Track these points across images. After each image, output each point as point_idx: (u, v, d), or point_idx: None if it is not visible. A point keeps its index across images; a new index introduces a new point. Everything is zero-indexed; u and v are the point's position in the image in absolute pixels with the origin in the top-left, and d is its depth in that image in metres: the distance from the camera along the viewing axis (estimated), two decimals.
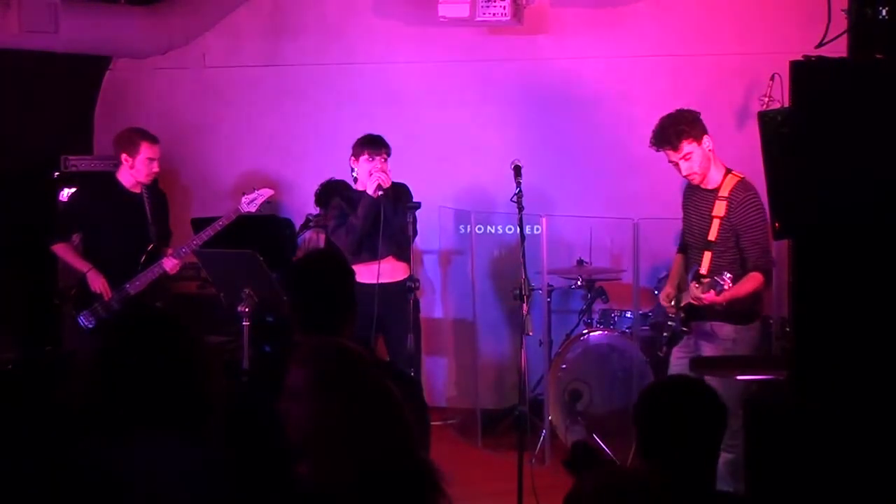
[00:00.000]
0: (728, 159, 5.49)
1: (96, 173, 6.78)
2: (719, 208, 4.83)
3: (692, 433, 2.64)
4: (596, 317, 6.55)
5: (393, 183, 5.67)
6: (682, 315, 4.89)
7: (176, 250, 5.78)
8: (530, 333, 5.05)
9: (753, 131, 3.89)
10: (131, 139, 5.73)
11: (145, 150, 5.69)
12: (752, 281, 4.77)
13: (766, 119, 3.74)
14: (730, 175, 4.88)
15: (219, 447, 2.60)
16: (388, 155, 5.67)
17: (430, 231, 7.15)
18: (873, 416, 3.00)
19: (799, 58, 3.16)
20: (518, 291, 5.04)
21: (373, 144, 5.66)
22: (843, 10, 3.31)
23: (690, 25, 7.02)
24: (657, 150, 4.97)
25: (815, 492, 3.05)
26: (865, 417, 3.01)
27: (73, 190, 6.38)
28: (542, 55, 7.25)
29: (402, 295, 5.52)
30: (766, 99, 5.86)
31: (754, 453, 3.37)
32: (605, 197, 7.22)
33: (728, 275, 4.59)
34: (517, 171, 5.18)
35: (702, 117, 4.96)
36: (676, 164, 4.89)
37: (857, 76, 3.15)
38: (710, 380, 4.48)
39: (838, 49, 3.31)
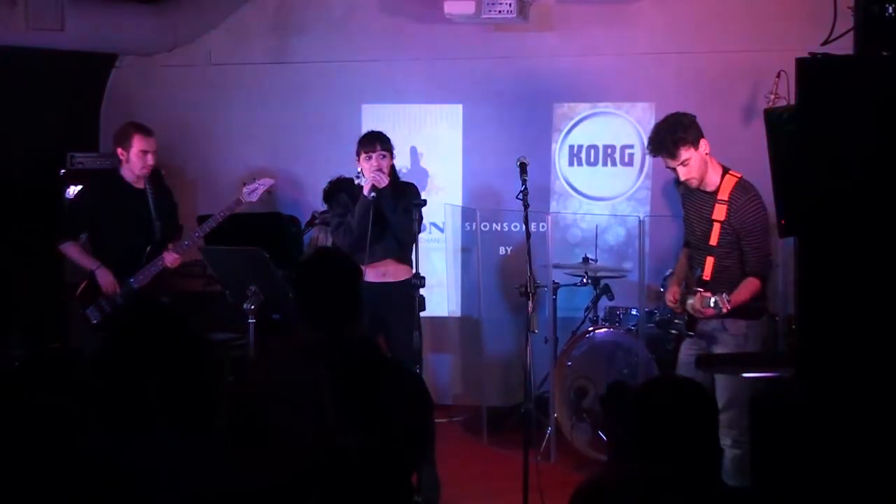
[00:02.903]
0: (734, 157, 5.48)
1: (102, 170, 6.79)
2: (719, 212, 4.78)
3: (687, 432, 2.63)
4: (601, 314, 6.55)
5: (400, 182, 5.64)
6: (687, 318, 4.87)
7: (177, 244, 5.78)
8: (536, 331, 5.04)
9: (759, 129, 3.89)
10: (124, 133, 5.74)
11: (137, 142, 5.69)
12: (749, 287, 4.74)
13: (772, 116, 3.75)
14: (728, 175, 4.83)
15: (222, 444, 2.60)
16: (388, 150, 5.55)
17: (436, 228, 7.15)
18: (879, 413, 3.00)
19: (805, 55, 3.15)
20: (524, 289, 5.03)
21: (365, 142, 5.57)
22: (849, 7, 3.30)
23: (696, 22, 7.01)
24: (654, 157, 4.94)
25: (821, 488, 3.05)
26: (871, 414, 3.00)
27: (80, 188, 6.38)
28: (548, 52, 7.25)
29: (405, 293, 5.51)
30: (773, 96, 5.84)
31: (761, 450, 3.37)
32: (610, 194, 7.23)
33: (726, 296, 4.57)
34: (523, 168, 5.16)
35: (706, 115, 4.93)
36: (674, 170, 4.86)
37: (863, 73, 3.15)
38: (724, 378, 4.50)
39: (845, 46, 3.30)
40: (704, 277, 4.81)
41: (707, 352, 4.84)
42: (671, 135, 4.77)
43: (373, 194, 5.41)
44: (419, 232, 5.64)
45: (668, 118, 4.90)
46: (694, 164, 4.79)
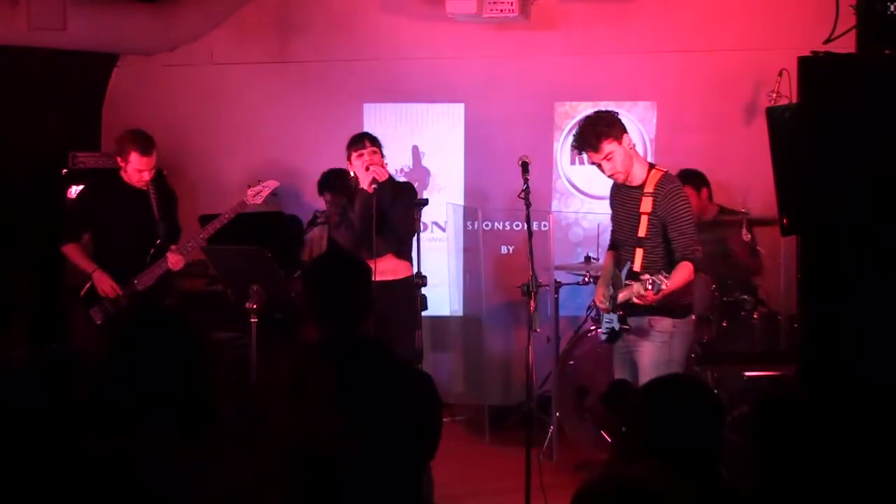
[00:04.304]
0: (736, 155, 5.51)
1: (104, 170, 6.78)
2: (646, 204, 4.83)
3: (691, 430, 2.63)
4: None
5: (397, 182, 5.64)
6: (621, 312, 4.87)
7: (181, 245, 5.78)
8: (538, 330, 5.04)
9: (762, 127, 3.88)
10: (124, 146, 5.71)
11: (134, 160, 5.67)
12: (684, 271, 4.75)
13: (774, 115, 3.74)
14: (653, 170, 4.89)
15: (224, 446, 2.61)
16: (378, 147, 5.57)
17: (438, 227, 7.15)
18: (881, 411, 3.00)
19: (807, 53, 3.15)
20: (526, 288, 5.04)
21: (354, 142, 5.59)
22: (851, 6, 3.30)
23: (698, 21, 7.01)
24: (578, 153, 5.00)
25: (823, 487, 3.05)
26: (873, 412, 3.00)
27: (81, 188, 6.39)
28: (549, 51, 7.25)
29: (406, 292, 5.50)
30: (775, 95, 5.84)
31: (763, 448, 3.36)
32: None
33: (664, 274, 4.60)
34: (525, 167, 5.16)
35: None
36: (599, 165, 4.90)
37: (865, 71, 3.15)
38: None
39: (847, 44, 3.30)
40: (635, 269, 4.84)
41: (634, 349, 4.87)
42: (593, 129, 4.84)
43: (374, 186, 5.41)
44: (418, 231, 5.64)
45: (590, 114, 4.99)
46: (618, 158, 4.84)
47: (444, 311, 7.38)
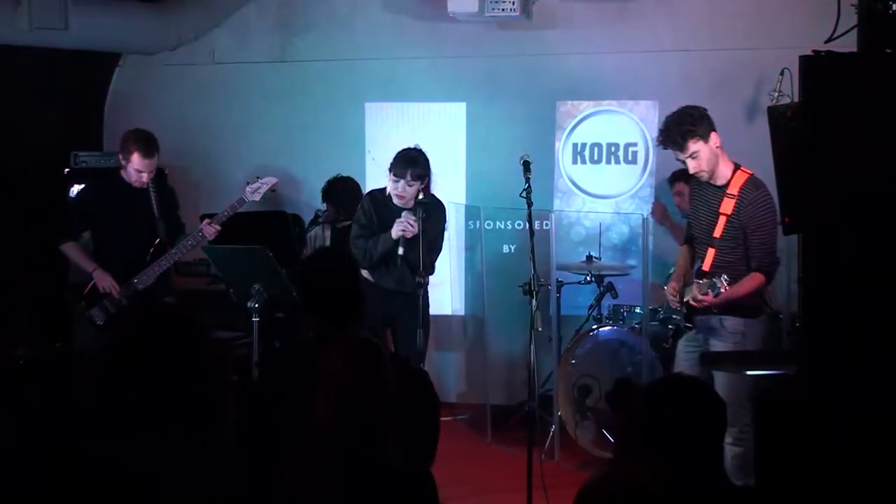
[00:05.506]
0: (738, 154, 5.49)
1: (105, 169, 6.79)
2: (727, 205, 4.78)
3: (694, 431, 2.62)
4: (605, 312, 6.54)
5: (432, 203, 5.61)
6: (685, 311, 4.87)
7: (217, 217, 5.77)
8: (539, 329, 5.04)
9: (763, 126, 3.89)
10: (127, 145, 5.72)
11: (135, 160, 5.68)
12: (752, 281, 4.73)
13: (775, 114, 3.75)
14: (739, 171, 4.83)
15: (226, 446, 2.61)
16: (419, 179, 5.47)
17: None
18: (882, 411, 3.00)
19: (809, 52, 3.15)
20: (527, 287, 5.03)
21: (397, 165, 5.52)
22: (852, 5, 3.30)
23: (700, 20, 7.01)
24: (664, 149, 4.97)
25: (825, 485, 3.05)
26: (874, 412, 3.00)
27: (81, 187, 6.39)
28: (551, 50, 7.24)
29: (414, 294, 5.52)
30: (776, 94, 5.83)
31: (765, 447, 3.37)
32: (614, 192, 7.23)
33: (725, 277, 4.57)
34: (526, 166, 5.16)
35: (709, 112, 4.92)
36: (684, 162, 4.86)
37: (866, 70, 3.14)
38: (722, 374, 4.50)
39: (848, 44, 3.30)
40: (704, 269, 4.82)
41: (704, 349, 4.84)
42: (679, 127, 4.78)
43: (401, 250, 5.43)
44: (439, 248, 5.70)
45: (678, 111, 4.90)
46: (703, 156, 4.79)
47: (446, 310, 7.38)
